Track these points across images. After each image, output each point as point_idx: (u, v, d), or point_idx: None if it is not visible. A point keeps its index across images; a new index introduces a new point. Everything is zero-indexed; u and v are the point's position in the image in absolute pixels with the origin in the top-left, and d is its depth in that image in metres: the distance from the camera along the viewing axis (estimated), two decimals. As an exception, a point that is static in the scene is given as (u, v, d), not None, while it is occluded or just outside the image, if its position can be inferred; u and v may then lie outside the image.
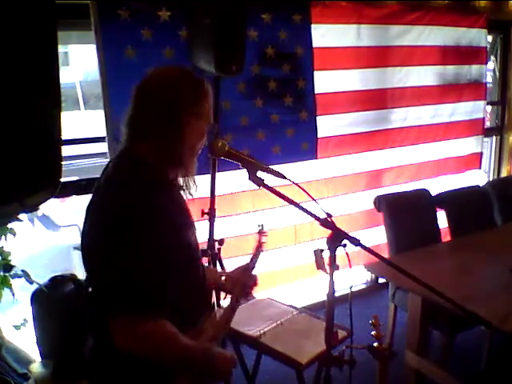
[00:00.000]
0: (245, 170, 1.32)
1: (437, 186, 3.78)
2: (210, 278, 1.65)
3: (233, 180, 2.99)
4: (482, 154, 4.29)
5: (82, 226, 1.31)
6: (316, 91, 3.29)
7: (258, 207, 3.21)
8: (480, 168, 4.33)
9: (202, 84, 1.36)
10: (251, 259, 1.67)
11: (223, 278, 1.67)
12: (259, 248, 1.67)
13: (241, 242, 3.16)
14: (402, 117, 3.76)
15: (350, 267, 1.27)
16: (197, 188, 1.41)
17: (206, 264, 2.70)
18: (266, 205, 3.21)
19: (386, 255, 3.06)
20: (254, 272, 1.65)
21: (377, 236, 3.65)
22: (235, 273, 1.67)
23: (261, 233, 1.68)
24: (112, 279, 1.19)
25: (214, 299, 2.42)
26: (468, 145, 4.18)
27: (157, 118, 1.28)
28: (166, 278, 1.23)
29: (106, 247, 1.20)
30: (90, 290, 1.32)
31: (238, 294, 1.59)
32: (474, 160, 4.25)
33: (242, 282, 1.60)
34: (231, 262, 2.96)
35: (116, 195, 1.24)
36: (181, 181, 1.39)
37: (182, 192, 1.41)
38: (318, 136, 3.37)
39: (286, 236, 3.36)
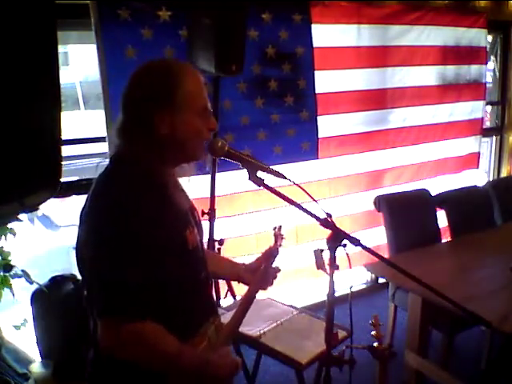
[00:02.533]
0: (245, 170, 1.31)
1: (436, 185, 3.78)
2: (229, 269, 1.64)
3: (233, 180, 2.98)
4: (479, 153, 4.29)
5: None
6: (317, 91, 3.29)
7: (259, 207, 3.21)
8: (478, 168, 4.33)
9: (167, 75, 1.23)
10: (269, 251, 1.59)
11: (242, 268, 1.62)
12: (274, 251, 1.60)
13: (241, 242, 3.17)
14: (402, 117, 3.76)
15: (350, 268, 1.26)
16: (190, 186, 1.38)
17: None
18: (266, 205, 3.21)
19: (386, 255, 3.06)
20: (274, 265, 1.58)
21: (377, 236, 3.64)
22: (254, 263, 1.61)
23: (277, 235, 1.61)
24: (95, 280, 1.18)
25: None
26: (466, 145, 4.18)
27: (135, 121, 1.24)
28: (155, 279, 1.19)
29: (91, 249, 1.19)
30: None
31: (256, 285, 1.55)
32: (472, 160, 4.25)
33: (263, 271, 1.54)
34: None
35: (99, 196, 1.22)
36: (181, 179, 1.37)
37: (182, 191, 1.39)
38: (319, 136, 3.37)
39: (288, 236, 3.34)
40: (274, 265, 1.57)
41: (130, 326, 1.14)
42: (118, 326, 1.14)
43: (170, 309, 1.26)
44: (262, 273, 1.55)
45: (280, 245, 1.60)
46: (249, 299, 1.53)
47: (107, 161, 1.32)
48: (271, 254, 1.58)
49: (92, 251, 1.19)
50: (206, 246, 2.75)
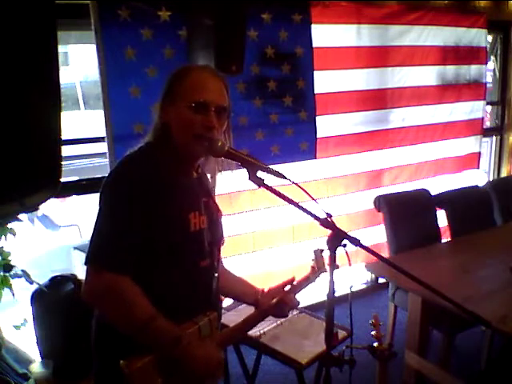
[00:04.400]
0: (244, 169, 1.32)
1: (435, 185, 3.79)
2: (246, 293, 1.63)
3: (231, 179, 2.98)
4: (480, 153, 4.29)
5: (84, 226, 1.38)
6: (316, 91, 3.30)
7: (255, 206, 3.22)
8: (478, 168, 4.33)
9: (176, 71, 1.39)
10: (297, 282, 1.59)
11: (260, 295, 1.61)
12: (312, 275, 1.60)
13: (239, 241, 3.17)
14: (402, 117, 3.77)
15: (350, 265, 1.27)
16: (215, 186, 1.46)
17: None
18: (263, 204, 3.22)
19: (385, 254, 3.06)
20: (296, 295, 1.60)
21: (375, 235, 3.66)
22: (274, 289, 1.62)
23: (318, 259, 1.58)
24: (91, 236, 1.27)
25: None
26: (467, 144, 4.18)
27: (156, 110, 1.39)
28: (147, 244, 1.26)
29: (96, 215, 1.30)
30: None
31: (270, 311, 1.55)
32: (473, 160, 4.26)
33: (281, 302, 1.55)
34: (230, 262, 2.97)
35: (114, 174, 1.33)
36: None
37: (201, 186, 1.46)
38: (318, 136, 3.37)
39: (284, 235, 3.36)
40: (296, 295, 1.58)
41: (109, 275, 1.21)
42: (97, 274, 1.22)
43: (161, 290, 1.30)
44: (287, 290, 1.57)
45: (321, 271, 1.57)
46: (255, 321, 1.54)
47: (106, 161, 1.37)
48: (299, 286, 1.59)
49: (98, 208, 1.29)
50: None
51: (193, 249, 1.38)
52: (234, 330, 1.53)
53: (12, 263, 2.22)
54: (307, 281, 1.62)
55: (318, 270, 1.59)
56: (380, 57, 3.56)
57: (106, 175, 1.34)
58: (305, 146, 3.33)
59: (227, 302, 2.63)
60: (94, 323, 1.39)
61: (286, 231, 3.36)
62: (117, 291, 1.22)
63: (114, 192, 1.29)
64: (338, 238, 1.27)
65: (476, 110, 4.16)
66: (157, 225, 1.27)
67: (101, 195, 1.31)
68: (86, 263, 1.25)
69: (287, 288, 1.61)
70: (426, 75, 3.81)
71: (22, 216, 2.13)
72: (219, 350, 1.39)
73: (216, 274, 1.47)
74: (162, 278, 1.30)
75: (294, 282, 1.62)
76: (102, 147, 2.71)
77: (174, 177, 1.36)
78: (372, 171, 3.71)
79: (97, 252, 1.25)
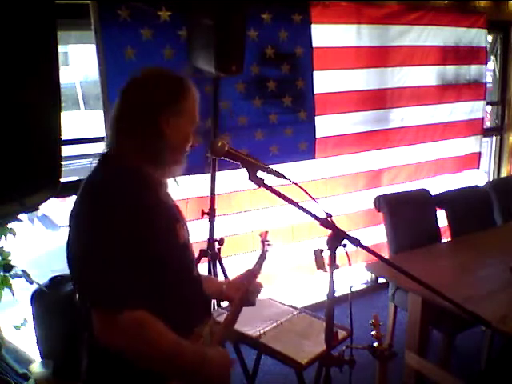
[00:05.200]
0: (244, 169, 1.32)
1: (436, 185, 3.79)
2: (212, 287, 1.62)
3: (230, 179, 2.98)
4: (480, 153, 4.29)
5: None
6: (315, 91, 3.29)
7: (255, 206, 3.22)
8: (478, 168, 4.33)
9: (179, 82, 1.34)
10: (254, 266, 1.64)
11: (224, 286, 1.64)
12: (262, 256, 1.65)
13: (238, 241, 3.17)
14: (402, 117, 3.76)
15: (350, 265, 1.27)
16: (178, 186, 1.41)
17: (206, 269, 2.70)
18: (262, 204, 3.22)
19: (385, 254, 3.07)
20: (257, 279, 1.62)
21: (374, 235, 3.66)
22: (237, 280, 1.64)
23: (264, 242, 1.66)
24: (86, 275, 1.20)
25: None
26: (467, 144, 4.18)
27: (135, 117, 1.30)
28: (152, 273, 1.22)
29: (78, 246, 1.22)
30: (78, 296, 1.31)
31: (240, 301, 1.57)
32: (473, 160, 4.25)
33: (245, 289, 1.58)
34: (229, 261, 2.97)
35: (95, 196, 1.24)
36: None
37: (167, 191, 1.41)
38: (317, 136, 3.37)
39: (284, 234, 3.36)
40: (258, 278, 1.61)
41: (128, 314, 1.14)
42: (114, 316, 1.14)
43: (161, 306, 1.26)
44: (243, 291, 1.58)
45: (266, 251, 1.63)
46: (234, 315, 1.55)
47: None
48: (252, 272, 1.62)
49: (84, 248, 1.21)
50: (206, 246, 2.78)
51: (184, 261, 1.38)
52: (226, 325, 1.54)
53: (12, 263, 2.22)
54: (261, 259, 1.65)
55: (264, 242, 1.66)
56: (380, 57, 3.56)
57: (86, 201, 1.26)
58: (304, 146, 3.33)
59: (227, 302, 2.64)
60: (88, 350, 1.32)
61: (286, 231, 3.36)
62: (140, 329, 1.17)
63: (106, 223, 1.18)
64: (337, 237, 1.28)
65: (476, 110, 4.15)
66: (154, 245, 1.24)
67: (86, 227, 1.21)
68: (94, 306, 1.17)
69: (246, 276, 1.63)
70: (426, 75, 3.81)
71: (21, 216, 2.13)
72: (225, 350, 1.40)
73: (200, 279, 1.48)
74: (160, 296, 1.27)
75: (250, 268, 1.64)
76: (102, 147, 2.71)
77: (159, 190, 1.34)
78: (371, 171, 3.71)
79: (108, 293, 1.16)
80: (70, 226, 1.27)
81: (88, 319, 1.20)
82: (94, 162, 1.33)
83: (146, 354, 1.19)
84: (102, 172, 1.31)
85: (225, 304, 2.60)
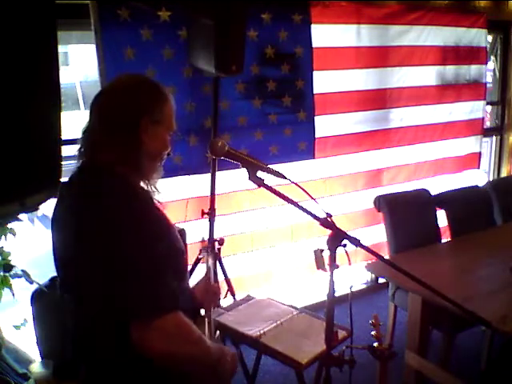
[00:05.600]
0: (243, 169, 1.32)
1: (436, 185, 3.79)
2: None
3: (229, 179, 2.98)
4: (480, 153, 4.29)
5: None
6: (315, 91, 3.29)
7: (254, 206, 3.22)
8: (479, 168, 4.33)
9: (157, 90, 1.34)
10: (207, 270, 1.70)
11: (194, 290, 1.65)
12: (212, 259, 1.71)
13: (237, 240, 3.17)
14: (401, 117, 3.76)
15: (350, 264, 1.27)
16: (159, 194, 1.40)
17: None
18: (261, 204, 3.22)
19: (384, 254, 3.07)
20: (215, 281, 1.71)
21: (373, 235, 3.67)
22: (200, 285, 1.66)
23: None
24: (118, 288, 1.18)
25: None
26: (467, 144, 4.18)
27: (113, 126, 1.29)
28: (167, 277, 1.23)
29: (105, 260, 1.19)
30: (73, 303, 1.30)
31: (209, 304, 1.61)
32: (473, 160, 4.25)
33: (212, 292, 1.62)
34: (228, 261, 2.97)
35: (93, 209, 1.22)
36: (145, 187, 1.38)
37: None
38: (316, 136, 3.37)
39: (283, 234, 3.36)
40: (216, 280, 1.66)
41: (171, 316, 1.18)
42: (160, 322, 1.16)
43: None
44: (207, 280, 1.65)
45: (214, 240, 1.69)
46: (207, 315, 1.59)
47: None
48: (208, 270, 1.67)
49: (106, 260, 1.19)
50: (206, 246, 2.77)
51: (184, 263, 1.41)
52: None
53: (12, 263, 2.22)
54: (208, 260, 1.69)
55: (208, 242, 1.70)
56: (380, 57, 3.56)
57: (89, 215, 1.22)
58: (303, 145, 3.33)
59: (227, 302, 2.64)
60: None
61: (285, 231, 3.36)
62: (179, 329, 1.21)
63: (122, 235, 1.18)
64: (337, 238, 1.28)
65: (476, 110, 4.15)
66: (164, 248, 1.25)
67: (100, 238, 1.19)
68: (138, 317, 1.17)
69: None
70: (426, 75, 3.81)
71: (22, 216, 2.13)
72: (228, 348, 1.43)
73: None
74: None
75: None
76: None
77: (147, 201, 1.32)
78: (371, 171, 3.71)
79: (150, 301, 1.17)
80: (55, 230, 1.27)
81: (92, 330, 1.23)
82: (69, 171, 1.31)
83: (189, 353, 1.23)
84: (90, 184, 1.29)
85: (224, 304, 2.60)
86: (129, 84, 1.35)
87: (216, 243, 2.72)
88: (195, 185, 2.91)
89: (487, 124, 4.65)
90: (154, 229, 1.22)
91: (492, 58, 4.51)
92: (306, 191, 1.32)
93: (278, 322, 2.17)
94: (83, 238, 1.21)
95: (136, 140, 1.28)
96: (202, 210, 2.72)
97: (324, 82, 3.32)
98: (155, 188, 1.39)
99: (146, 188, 1.36)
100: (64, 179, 1.22)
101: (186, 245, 1.51)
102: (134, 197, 1.25)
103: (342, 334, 1.98)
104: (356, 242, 1.28)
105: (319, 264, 1.55)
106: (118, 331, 1.19)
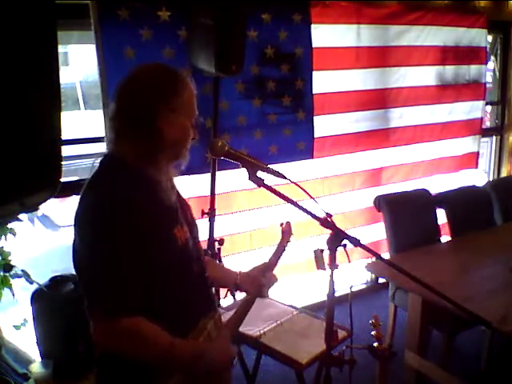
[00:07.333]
0: (243, 169, 1.32)
1: (435, 185, 3.79)
2: (226, 279, 1.64)
3: (228, 179, 2.98)
4: (478, 153, 4.29)
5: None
6: (315, 91, 3.29)
7: (253, 206, 3.21)
8: (477, 167, 4.33)
9: (175, 77, 1.31)
10: (270, 259, 1.65)
11: (238, 277, 1.64)
12: (281, 248, 1.67)
13: (237, 240, 3.17)
14: (400, 116, 3.76)
15: (349, 262, 1.27)
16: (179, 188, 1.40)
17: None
18: (260, 203, 3.22)
19: (383, 253, 3.07)
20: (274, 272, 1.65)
21: (372, 233, 3.67)
22: (253, 272, 1.65)
23: (285, 233, 1.67)
24: (85, 280, 1.23)
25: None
26: (465, 144, 4.18)
27: (131, 116, 1.27)
28: (145, 276, 1.22)
29: (79, 249, 1.24)
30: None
31: (253, 295, 1.59)
32: (471, 159, 4.25)
33: (260, 283, 1.60)
34: (228, 260, 2.97)
35: (89, 198, 1.25)
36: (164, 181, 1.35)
37: (172, 190, 1.39)
38: (315, 136, 3.37)
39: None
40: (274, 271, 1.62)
41: (124, 321, 1.17)
42: (111, 323, 1.16)
43: (162, 304, 1.28)
44: (262, 269, 1.62)
45: (288, 241, 1.64)
46: (247, 305, 1.57)
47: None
48: (268, 265, 1.65)
49: (83, 253, 1.23)
50: (205, 246, 2.78)
51: (184, 261, 1.37)
52: (237, 319, 1.57)
53: (12, 263, 2.22)
54: (279, 251, 1.67)
55: (287, 236, 1.71)
56: (380, 57, 3.55)
57: (81, 204, 1.26)
58: (302, 145, 3.33)
59: (227, 301, 2.64)
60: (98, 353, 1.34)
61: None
62: (136, 334, 1.19)
63: (102, 229, 1.19)
64: (337, 237, 1.28)
65: (475, 109, 4.15)
66: (150, 250, 1.23)
67: (83, 231, 1.23)
68: (91, 314, 1.19)
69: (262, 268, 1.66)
70: (426, 75, 3.81)
71: (22, 216, 2.13)
72: (229, 342, 1.42)
73: (206, 274, 1.46)
74: (161, 295, 1.28)
75: (267, 260, 1.67)
76: (102, 147, 2.71)
77: (155, 192, 1.30)
78: (369, 170, 3.71)
79: (105, 301, 1.17)
80: (74, 228, 1.28)
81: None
82: (97, 162, 1.32)
83: (142, 356, 1.22)
84: (101, 174, 1.30)
85: (224, 304, 2.60)
86: (143, 74, 1.34)
87: (216, 243, 2.72)
88: (195, 185, 2.91)
89: (487, 124, 4.65)
90: (128, 236, 1.19)
91: (492, 57, 4.51)
92: (306, 191, 1.32)
93: (278, 322, 2.17)
94: (77, 230, 1.25)
95: (152, 131, 1.26)
96: (202, 210, 2.72)
97: (323, 82, 3.32)
98: (172, 183, 1.38)
99: (162, 180, 1.33)
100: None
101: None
102: (125, 198, 1.22)
103: (341, 333, 1.98)
104: (356, 242, 1.28)
105: (319, 264, 1.55)
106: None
